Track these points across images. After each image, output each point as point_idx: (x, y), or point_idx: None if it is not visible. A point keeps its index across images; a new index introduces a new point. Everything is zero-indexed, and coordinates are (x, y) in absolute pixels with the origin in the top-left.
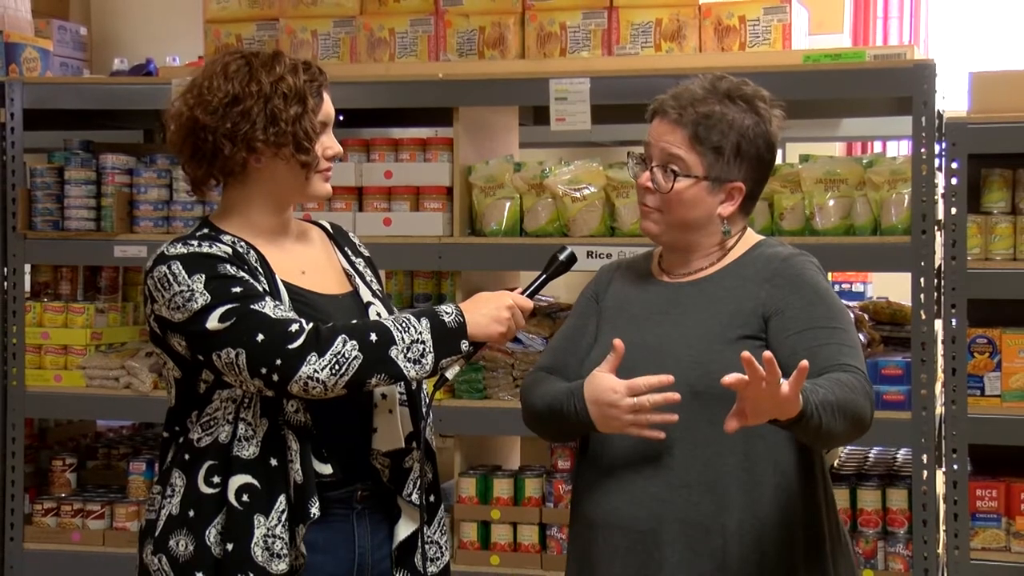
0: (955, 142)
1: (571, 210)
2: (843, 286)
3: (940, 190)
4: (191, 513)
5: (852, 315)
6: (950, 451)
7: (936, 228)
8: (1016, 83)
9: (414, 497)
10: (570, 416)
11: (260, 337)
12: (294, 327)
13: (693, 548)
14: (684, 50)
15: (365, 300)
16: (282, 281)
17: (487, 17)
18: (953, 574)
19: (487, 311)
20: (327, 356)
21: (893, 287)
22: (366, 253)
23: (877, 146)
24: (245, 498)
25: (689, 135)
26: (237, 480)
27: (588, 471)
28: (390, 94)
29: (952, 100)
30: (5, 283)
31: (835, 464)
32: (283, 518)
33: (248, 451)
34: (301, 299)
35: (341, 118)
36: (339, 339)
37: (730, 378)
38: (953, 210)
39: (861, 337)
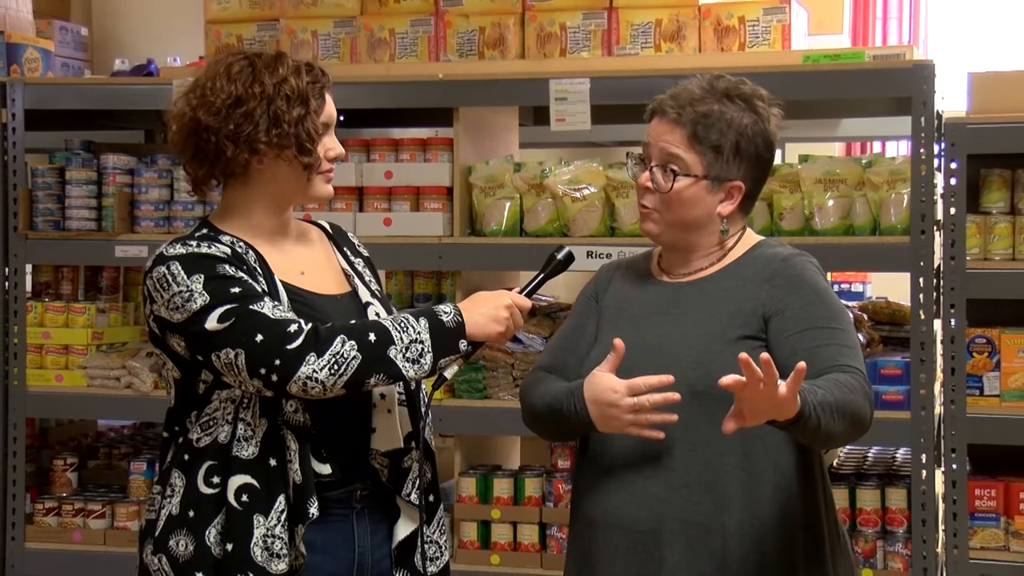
0: (954, 142)
1: (571, 210)
2: (842, 286)
3: (939, 190)
4: (191, 513)
5: (851, 315)
6: (949, 451)
7: (935, 228)
8: (1015, 83)
9: (413, 497)
10: (570, 416)
11: (259, 337)
12: (293, 327)
13: (693, 548)
14: (684, 50)
15: (364, 300)
16: (281, 281)
17: (487, 17)
18: (952, 573)
19: (485, 311)
20: (326, 356)
21: (892, 287)
22: (365, 253)
23: (876, 146)
24: (244, 498)
25: (688, 134)
26: (236, 480)
27: (588, 471)
28: (390, 94)
29: (951, 100)
30: (6, 283)
31: (834, 464)
32: (282, 518)
33: (247, 451)
34: (300, 299)
35: (342, 118)
36: (338, 339)
37: (727, 379)
38: (952, 210)
39: (860, 337)
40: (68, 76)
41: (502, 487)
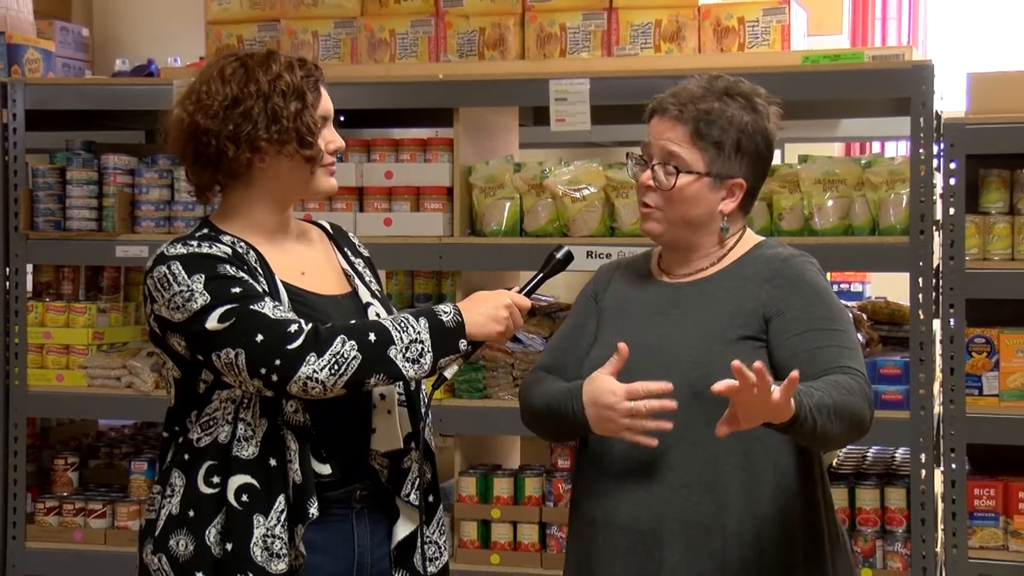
0: (953, 142)
1: (571, 210)
2: (842, 286)
3: (938, 190)
4: (191, 513)
5: (851, 315)
6: (948, 450)
7: (934, 228)
8: (1014, 84)
9: (413, 497)
10: (567, 416)
11: (259, 337)
12: (293, 327)
13: (693, 548)
14: (683, 51)
15: (364, 301)
16: (281, 282)
17: (487, 18)
18: (951, 573)
19: (485, 310)
20: (326, 356)
21: (891, 287)
22: (366, 253)
23: (876, 147)
24: (244, 498)
25: (690, 131)
26: (236, 480)
27: (588, 471)
28: (391, 95)
29: (950, 101)
30: (7, 283)
31: (834, 463)
32: (282, 518)
33: (247, 451)
34: (300, 300)
35: (342, 118)
36: (338, 339)
37: (720, 385)
38: (951, 210)
39: (860, 337)
40: (69, 76)
41: (502, 487)
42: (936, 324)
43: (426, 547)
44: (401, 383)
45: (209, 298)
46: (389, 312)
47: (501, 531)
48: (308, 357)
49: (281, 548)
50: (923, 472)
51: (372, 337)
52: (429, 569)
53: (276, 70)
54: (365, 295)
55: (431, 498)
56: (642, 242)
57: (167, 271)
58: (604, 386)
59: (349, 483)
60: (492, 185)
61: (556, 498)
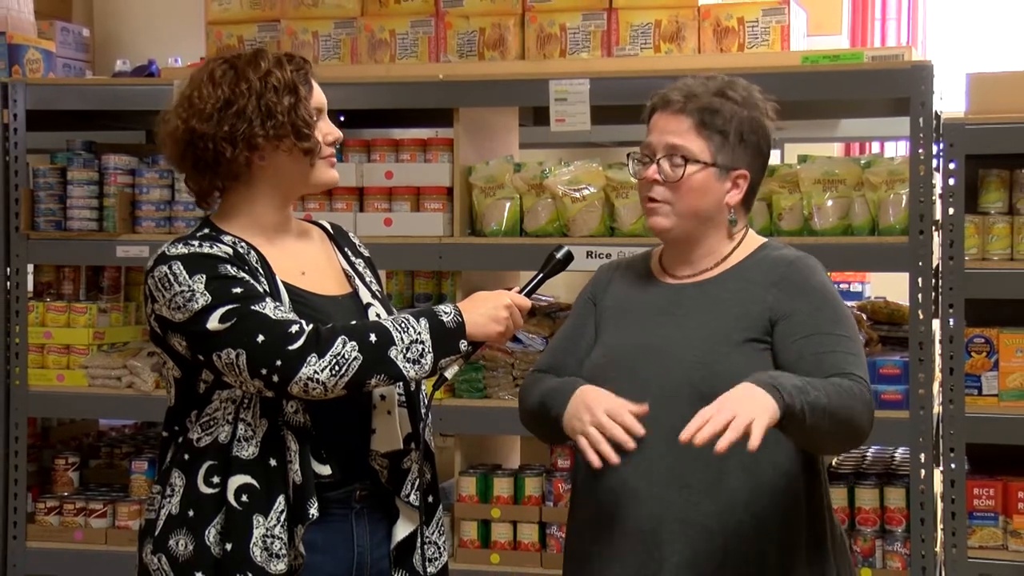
0: (953, 143)
1: (571, 210)
2: (841, 286)
3: (938, 190)
4: (190, 513)
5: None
6: (948, 450)
7: (934, 228)
8: (1013, 84)
9: (412, 498)
10: (566, 395)
11: (260, 338)
12: (294, 328)
13: (693, 548)
14: (683, 51)
15: (364, 301)
16: (282, 282)
17: (487, 18)
18: (951, 572)
19: (485, 311)
20: (327, 357)
21: (891, 287)
22: (366, 253)
23: (875, 147)
24: (244, 498)
25: (695, 122)
26: (236, 480)
27: (588, 471)
28: (391, 95)
29: (950, 101)
30: (8, 283)
31: (833, 463)
32: (282, 518)
33: (247, 451)
34: (301, 300)
35: (342, 118)
36: (339, 340)
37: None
38: (951, 210)
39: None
40: (69, 77)
41: (502, 486)
42: (936, 324)
43: (425, 547)
44: (401, 383)
45: (210, 298)
46: (389, 312)
47: (501, 531)
48: (309, 358)
49: (281, 548)
50: (922, 472)
51: (373, 338)
52: (428, 569)
53: (266, 67)
54: (365, 295)
55: (431, 498)
56: (642, 242)
57: (168, 271)
58: (602, 396)
59: (349, 483)
60: (492, 185)
61: (556, 498)
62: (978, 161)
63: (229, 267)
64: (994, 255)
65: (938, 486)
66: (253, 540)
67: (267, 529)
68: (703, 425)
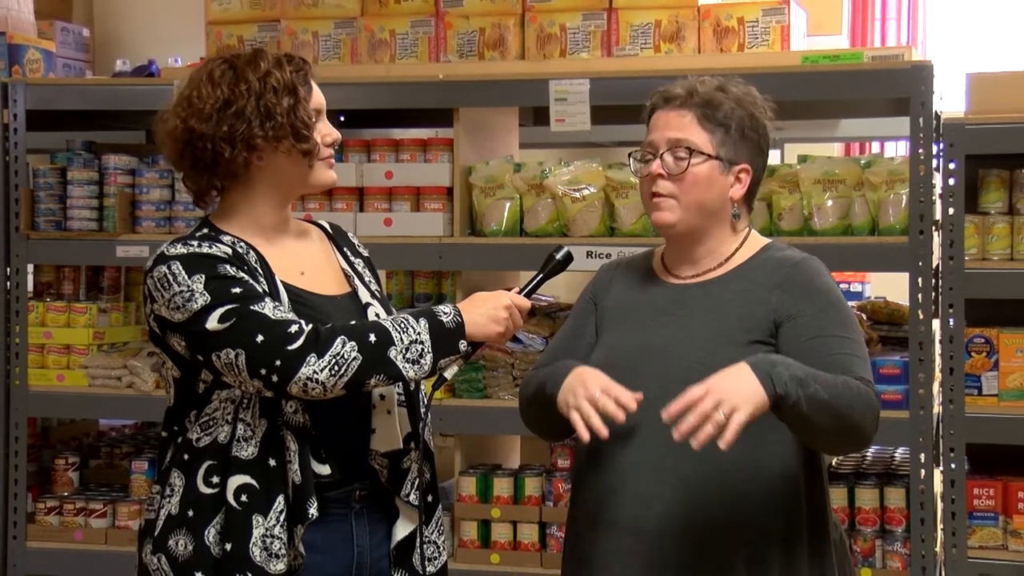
0: (953, 143)
1: (571, 210)
2: (841, 286)
3: (938, 190)
4: (190, 513)
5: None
6: (948, 450)
7: (934, 228)
8: (1013, 84)
9: (412, 497)
10: (563, 372)
11: (260, 338)
12: (293, 328)
13: (694, 548)
14: (683, 51)
15: (364, 301)
16: (281, 282)
17: (487, 18)
18: (951, 572)
19: (485, 311)
20: (326, 357)
21: (891, 287)
22: (365, 253)
23: (875, 147)
24: (244, 498)
25: (698, 116)
26: (236, 480)
27: (588, 471)
28: (391, 95)
29: (950, 101)
30: (8, 283)
31: (833, 463)
32: (281, 518)
33: (247, 451)
34: (300, 300)
35: (342, 118)
36: (338, 340)
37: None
38: (951, 210)
39: None
40: (70, 77)
41: (502, 486)
42: (936, 324)
43: (425, 547)
44: (401, 383)
45: (209, 298)
46: (389, 312)
47: (501, 531)
48: (308, 358)
49: (280, 548)
50: (922, 472)
51: (372, 338)
52: (428, 569)
53: (265, 68)
54: (365, 295)
55: (430, 498)
56: (642, 242)
57: (167, 271)
58: (599, 375)
59: (348, 483)
60: (492, 185)
61: (556, 498)
62: (978, 161)
63: (228, 267)
64: (994, 255)
65: (938, 486)
66: (253, 540)
67: (267, 529)
68: (686, 408)
